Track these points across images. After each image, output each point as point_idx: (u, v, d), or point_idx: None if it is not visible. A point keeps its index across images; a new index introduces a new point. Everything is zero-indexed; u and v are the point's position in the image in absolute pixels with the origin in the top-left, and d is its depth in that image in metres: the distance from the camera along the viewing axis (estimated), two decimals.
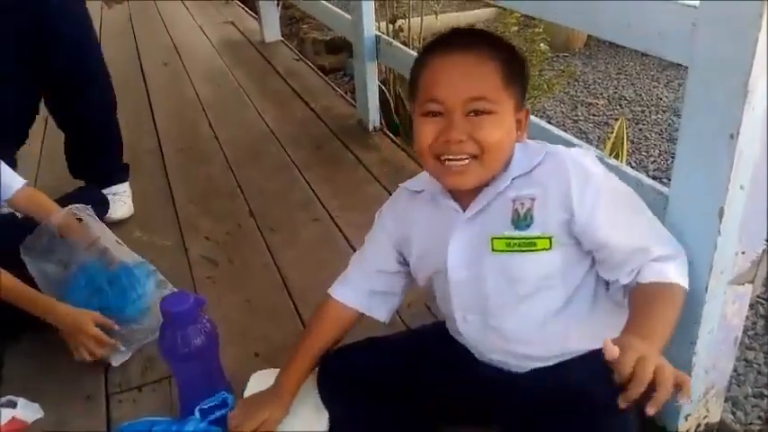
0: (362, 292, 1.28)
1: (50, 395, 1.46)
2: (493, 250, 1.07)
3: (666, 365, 0.79)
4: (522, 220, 1.04)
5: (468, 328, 1.14)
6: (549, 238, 1.03)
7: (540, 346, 1.09)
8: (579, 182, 1.01)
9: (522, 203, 1.04)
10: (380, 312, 1.29)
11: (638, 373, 0.77)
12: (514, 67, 1.04)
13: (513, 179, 1.06)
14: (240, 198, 2.34)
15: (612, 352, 0.79)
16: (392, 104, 3.41)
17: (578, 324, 1.08)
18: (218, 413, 1.26)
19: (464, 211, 1.10)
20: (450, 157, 1.02)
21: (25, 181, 1.68)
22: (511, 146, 1.06)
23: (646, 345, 0.83)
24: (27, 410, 1.38)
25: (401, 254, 1.25)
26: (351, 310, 1.28)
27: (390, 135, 2.81)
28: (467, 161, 1.02)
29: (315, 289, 1.78)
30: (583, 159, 1.05)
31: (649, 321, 0.94)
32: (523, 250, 1.04)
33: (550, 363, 1.09)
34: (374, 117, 2.82)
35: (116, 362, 1.52)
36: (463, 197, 1.10)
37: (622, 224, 1.03)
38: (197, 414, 1.24)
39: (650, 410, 0.76)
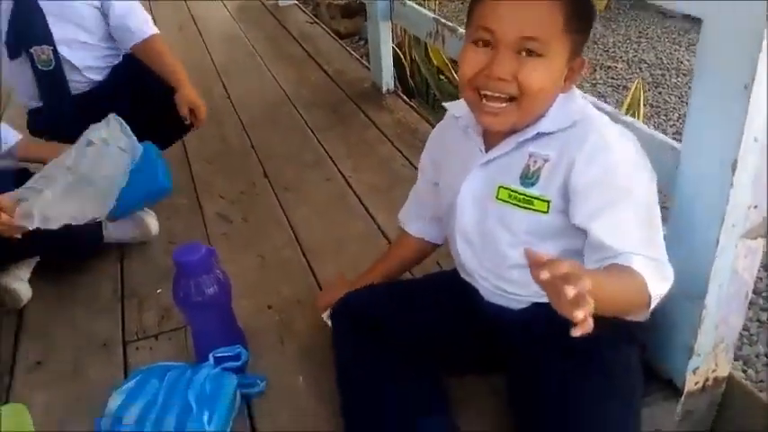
0: (417, 217, 1.37)
1: (67, 342, 1.51)
2: (497, 198, 1.07)
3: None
4: (528, 177, 1.04)
5: (471, 264, 1.16)
6: (548, 202, 1.02)
7: (530, 288, 1.07)
8: (592, 151, 0.97)
9: (536, 161, 1.03)
10: (434, 236, 1.37)
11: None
12: (581, 12, 0.98)
13: (538, 133, 1.03)
14: (254, 158, 2.36)
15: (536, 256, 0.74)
16: (407, 68, 3.38)
17: None
18: (231, 363, 1.29)
19: (487, 151, 1.10)
20: (489, 93, 0.98)
21: (20, 135, 1.77)
22: (554, 94, 1.02)
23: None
24: None
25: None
26: (411, 236, 1.38)
27: (404, 97, 2.79)
28: (504, 105, 0.98)
29: (326, 245, 1.81)
30: (611, 136, 1.00)
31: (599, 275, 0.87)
32: (521, 206, 1.04)
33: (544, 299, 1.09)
34: (388, 79, 2.80)
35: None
36: (492, 135, 1.09)
37: (614, 218, 0.96)
38: (211, 360, 1.27)
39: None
